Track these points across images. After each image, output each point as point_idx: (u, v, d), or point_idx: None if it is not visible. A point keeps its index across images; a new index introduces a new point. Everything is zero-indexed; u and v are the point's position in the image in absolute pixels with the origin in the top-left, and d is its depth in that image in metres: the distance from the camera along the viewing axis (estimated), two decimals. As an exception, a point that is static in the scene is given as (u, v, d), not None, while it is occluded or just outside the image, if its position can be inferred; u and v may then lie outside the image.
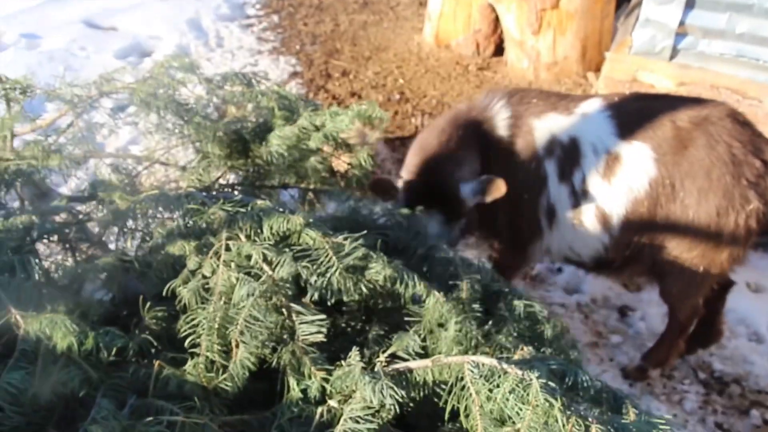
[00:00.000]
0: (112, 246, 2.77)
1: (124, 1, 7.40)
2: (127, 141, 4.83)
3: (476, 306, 2.11)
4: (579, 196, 3.28)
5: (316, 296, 2.04)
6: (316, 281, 2.04)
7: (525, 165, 3.33)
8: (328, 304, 2.05)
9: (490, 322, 2.12)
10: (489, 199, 3.12)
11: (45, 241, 2.51)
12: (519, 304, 2.20)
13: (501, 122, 3.35)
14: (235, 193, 2.65)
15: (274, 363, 1.96)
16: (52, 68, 5.62)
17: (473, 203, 3.18)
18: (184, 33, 6.83)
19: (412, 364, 1.87)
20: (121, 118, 3.70)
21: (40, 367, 1.85)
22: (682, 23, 5.26)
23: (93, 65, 5.76)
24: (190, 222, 2.26)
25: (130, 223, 2.39)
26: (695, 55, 5.36)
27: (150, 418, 1.73)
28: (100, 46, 6.38)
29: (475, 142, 3.32)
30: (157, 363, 1.90)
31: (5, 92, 2.97)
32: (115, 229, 2.72)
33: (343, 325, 2.20)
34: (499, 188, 3.09)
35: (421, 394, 1.86)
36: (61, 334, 1.87)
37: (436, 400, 1.84)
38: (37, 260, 2.12)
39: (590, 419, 1.68)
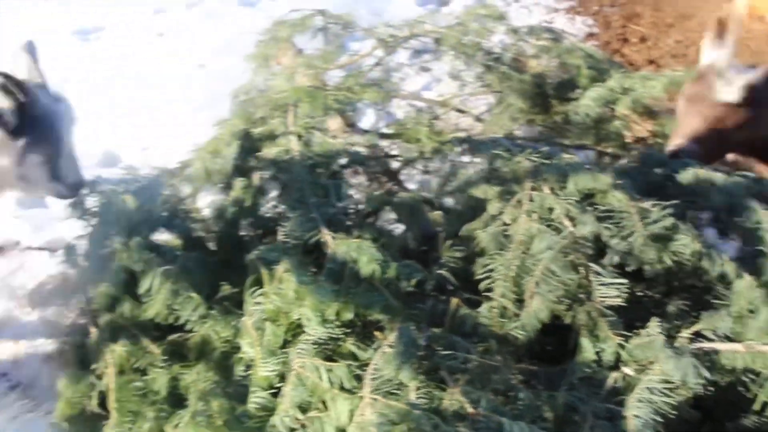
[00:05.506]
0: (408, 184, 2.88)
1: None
2: (421, 86, 4.94)
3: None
4: None
5: (615, 260, 1.97)
6: (617, 244, 1.97)
7: None
8: (627, 270, 1.98)
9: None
10: None
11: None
12: None
13: None
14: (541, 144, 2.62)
15: (566, 321, 1.93)
16: (348, 7, 5.85)
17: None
18: (483, -15, 6.85)
19: (720, 346, 1.76)
20: (417, 64, 3.80)
21: (345, 288, 1.96)
22: None
23: (394, 8, 5.94)
24: (495, 167, 2.27)
25: (434, 162, 2.45)
26: None
27: (449, 352, 1.77)
28: (402, -10, 6.56)
29: None
30: (455, 301, 1.94)
31: (325, 25, 3.14)
32: (413, 167, 2.82)
33: (640, 293, 2.12)
34: None
35: (725, 379, 1.75)
36: (367, 259, 1.96)
37: (740, 388, 1.72)
38: (348, 186, 2.23)
39: None
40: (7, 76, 2.19)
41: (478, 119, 3.45)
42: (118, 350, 2.15)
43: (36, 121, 2.25)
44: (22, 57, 2.32)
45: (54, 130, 2.31)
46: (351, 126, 3.06)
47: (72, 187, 2.44)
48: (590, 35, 6.13)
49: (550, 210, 2.04)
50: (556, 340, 2.01)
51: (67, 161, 2.37)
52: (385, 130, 2.92)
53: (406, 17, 3.32)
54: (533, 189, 2.10)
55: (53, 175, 2.36)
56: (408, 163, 2.70)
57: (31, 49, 2.35)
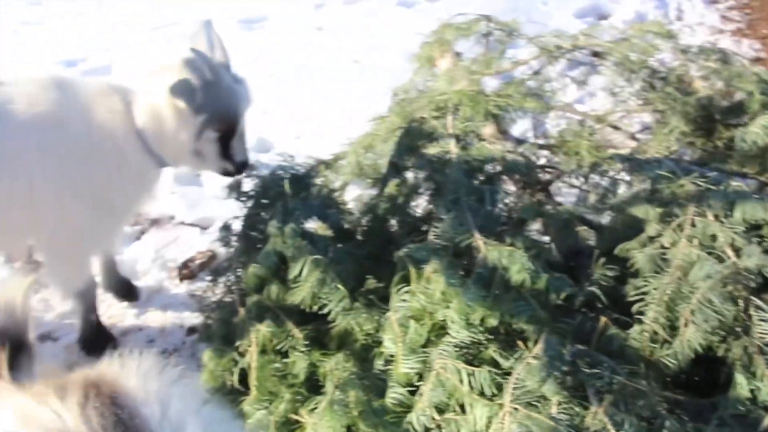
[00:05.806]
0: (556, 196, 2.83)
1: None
2: (574, 99, 4.86)
3: None
4: None
5: (782, 296, 1.88)
6: (784, 280, 1.88)
7: None
8: (792, 308, 1.89)
9: None
10: None
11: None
12: None
13: None
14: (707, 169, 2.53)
15: (719, 353, 1.86)
16: (507, 15, 5.79)
17: None
18: (645, 0, 6.66)
19: None
20: (573, 76, 3.72)
21: (493, 294, 1.95)
22: None
23: (553, 18, 5.88)
24: (657, 188, 2.21)
25: (590, 178, 2.41)
26: None
27: (595, 370, 1.74)
28: (561, 2, 6.47)
29: None
30: (603, 319, 1.89)
31: (488, 31, 3.13)
32: (563, 180, 2.77)
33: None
34: None
35: None
36: (518, 267, 1.94)
37: None
38: (504, 193, 2.22)
39: None
40: (198, 53, 2.29)
41: (633, 137, 3.36)
42: (262, 330, 2.21)
43: (217, 100, 2.34)
44: (202, 35, 2.41)
45: (232, 110, 2.40)
46: (503, 133, 3.04)
47: (239, 167, 2.52)
48: (756, 59, 5.85)
49: (713, 237, 1.97)
50: (703, 371, 1.94)
51: (238, 141, 2.46)
52: (540, 141, 2.89)
53: (564, 28, 3.28)
54: (696, 214, 2.03)
55: (224, 154, 2.45)
56: (560, 175, 2.66)
57: (208, 28, 2.43)
